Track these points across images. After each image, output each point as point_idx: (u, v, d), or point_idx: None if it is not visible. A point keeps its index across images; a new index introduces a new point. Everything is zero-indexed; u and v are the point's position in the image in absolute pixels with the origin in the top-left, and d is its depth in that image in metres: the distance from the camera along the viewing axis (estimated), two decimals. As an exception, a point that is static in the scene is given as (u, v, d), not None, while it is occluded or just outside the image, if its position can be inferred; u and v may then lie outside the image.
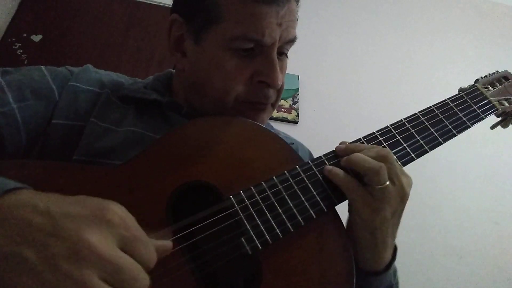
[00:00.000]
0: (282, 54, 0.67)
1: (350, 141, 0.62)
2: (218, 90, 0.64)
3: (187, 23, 0.66)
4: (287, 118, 2.27)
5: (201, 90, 0.67)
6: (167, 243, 0.43)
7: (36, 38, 2.17)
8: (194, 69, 0.67)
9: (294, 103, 2.33)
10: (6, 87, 0.60)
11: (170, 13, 0.70)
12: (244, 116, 0.65)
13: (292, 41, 0.66)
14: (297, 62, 2.37)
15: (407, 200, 0.57)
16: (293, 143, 0.80)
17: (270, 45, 0.62)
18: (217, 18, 0.61)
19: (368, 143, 0.62)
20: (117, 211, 0.38)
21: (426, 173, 2.11)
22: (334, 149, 0.61)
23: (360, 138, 0.63)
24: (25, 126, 0.59)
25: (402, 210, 0.57)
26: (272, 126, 0.83)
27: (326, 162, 0.58)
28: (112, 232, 0.36)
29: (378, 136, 0.63)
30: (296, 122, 2.28)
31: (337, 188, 0.57)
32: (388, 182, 0.54)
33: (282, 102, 2.30)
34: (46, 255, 0.34)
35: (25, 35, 2.17)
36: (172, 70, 0.80)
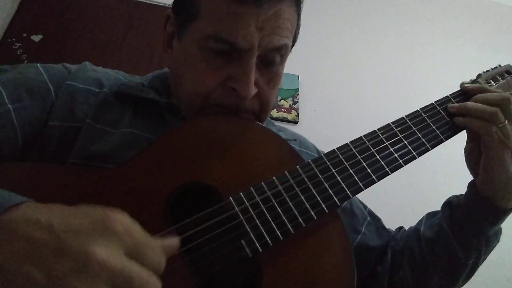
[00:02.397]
0: (273, 62, 0.61)
1: (350, 140, 0.61)
2: (187, 89, 0.62)
3: (176, 19, 0.65)
4: (287, 118, 2.27)
5: (177, 88, 0.66)
6: (173, 241, 0.42)
7: (36, 38, 2.17)
8: (174, 66, 0.67)
9: (294, 103, 2.33)
10: (1, 86, 0.58)
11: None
12: None
13: (278, 49, 0.59)
14: (297, 62, 2.36)
15: None
16: (295, 139, 0.80)
17: (247, 50, 0.57)
18: (196, 14, 0.59)
19: (367, 139, 0.62)
20: (120, 219, 0.37)
21: (426, 172, 2.11)
22: (334, 148, 0.60)
23: (361, 137, 0.62)
24: (21, 128, 0.58)
25: None
26: (273, 124, 0.82)
27: (327, 162, 0.58)
28: (117, 242, 0.36)
29: (380, 134, 0.63)
30: (296, 122, 2.27)
31: (338, 189, 0.56)
32: (506, 121, 0.63)
33: (282, 102, 2.30)
34: (55, 275, 0.33)
35: (25, 35, 2.16)
36: None
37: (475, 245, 0.67)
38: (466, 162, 0.71)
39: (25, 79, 0.61)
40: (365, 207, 0.82)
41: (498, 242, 0.71)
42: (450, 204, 0.72)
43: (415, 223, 0.79)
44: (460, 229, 0.68)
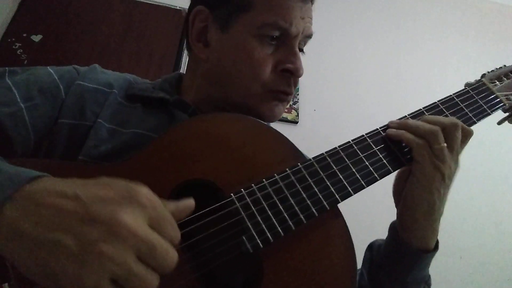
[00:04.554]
0: (302, 48, 0.71)
1: (352, 138, 0.61)
2: (245, 75, 0.66)
3: (213, 13, 0.69)
4: (287, 118, 2.27)
5: (226, 77, 0.68)
6: (189, 202, 0.45)
7: (36, 38, 2.17)
8: (219, 56, 0.68)
9: (294, 103, 2.33)
10: (13, 87, 0.60)
11: (192, 6, 0.72)
12: (266, 105, 0.68)
13: (309, 36, 0.71)
14: (297, 62, 2.36)
15: (456, 172, 0.62)
16: None
17: (294, 37, 0.66)
18: (248, 6, 0.65)
19: (370, 139, 0.62)
20: (145, 193, 0.40)
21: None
22: (336, 146, 0.60)
23: (363, 135, 0.62)
24: (33, 126, 0.59)
25: (451, 180, 0.61)
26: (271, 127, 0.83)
27: (328, 159, 0.58)
28: (143, 213, 0.38)
29: (381, 131, 0.63)
30: (296, 122, 2.28)
31: (340, 186, 0.56)
32: (445, 144, 0.59)
33: (282, 102, 2.30)
34: (85, 241, 0.35)
35: (25, 35, 2.16)
36: (181, 72, 0.81)
37: None
38: (392, 188, 0.67)
39: (36, 80, 0.63)
40: None
41: None
42: (372, 245, 0.69)
43: None
44: (377, 274, 0.65)
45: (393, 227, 0.65)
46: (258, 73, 0.65)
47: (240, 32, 0.66)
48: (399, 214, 0.64)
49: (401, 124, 0.62)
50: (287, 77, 0.68)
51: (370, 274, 0.67)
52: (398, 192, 0.65)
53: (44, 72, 0.65)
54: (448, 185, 0.61)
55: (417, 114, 0.66)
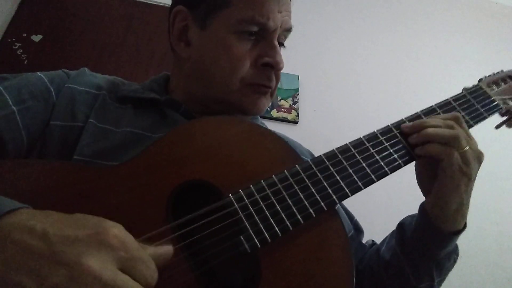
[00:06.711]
0: (280, 44, 0.72)
1: (350, 141, 0.62)
2: (225, 71, 0.67)
3: (192, 12, 0.70)
4: (287, 118, 2.27)
5: (207, 74, 0.69)
6: (167, 249, 0.43)
7: (36, 38, 2.17)
8: (200, 54, 0.70)
9: (294, 103, 2.33)
10: (5, 91, 0.61)
11: (172, 6, 0.73)
12: (248, 99, 0.69)
13: (289, 30, 0.72)
14: (297, 62, 2.37)
15: (483, 159, 0.63)
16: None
17: (272, 31, 0.67)
18: (225, 3, 0.66)
19: (366, 138, 0.62)
20: (116, 233, 0.38)
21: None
22: (334, 148, 0.61)
23: (360, 138, 0.63)
24: (25, 129, 0.60)
25: (477, 171, 0.63)
26: (262, 122, 0.83)
27: (326, 161, 0.58)
28: (111, 255, 0.36)
29: (380, 135, 0.63)
30: (296, 122, 2.28)
31: (337, 188, 0.57)
32: (468, 146, 0.60)
33: (282, 102, 2.31)
34: (47, 285, 0.34)
35: (25, 35, 2.17)
36: (168, 73, 0.82)
37: (425, 270, 0.66)
38: (417, 180, 0.69)
39: (27, 84, 0.64)
40: (352, 218, 0.81)
41: (454, 262, 0.70)
42: (403, 226, 0.70)
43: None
44: (411, 253, 0.67)
45: (423, 210, 0.66)
46: (236, 69, 0.67)
47: (218, 29, 0.67)
48: (429, 208, 0.65)
49: (422, 135, 0.62)
50: (267, 71, 0.69)
51: (403, 251, 0.68)
52: (425, 188, 0.67)
53: (34, 76, 0.66)
54: (475, 176, 0.63)
55: (414, 118, 0.66)
